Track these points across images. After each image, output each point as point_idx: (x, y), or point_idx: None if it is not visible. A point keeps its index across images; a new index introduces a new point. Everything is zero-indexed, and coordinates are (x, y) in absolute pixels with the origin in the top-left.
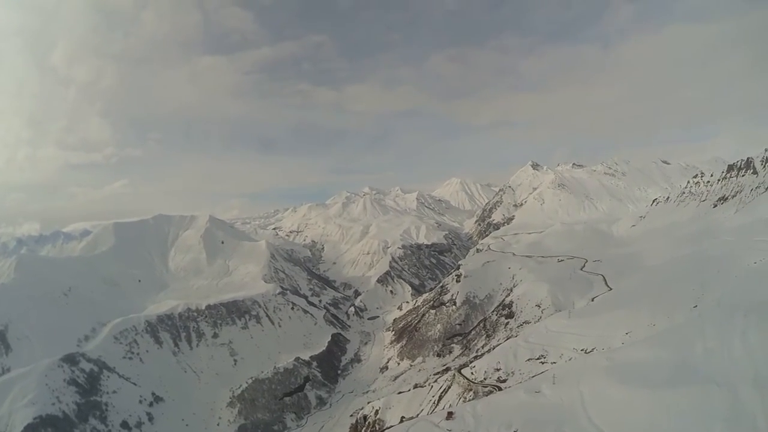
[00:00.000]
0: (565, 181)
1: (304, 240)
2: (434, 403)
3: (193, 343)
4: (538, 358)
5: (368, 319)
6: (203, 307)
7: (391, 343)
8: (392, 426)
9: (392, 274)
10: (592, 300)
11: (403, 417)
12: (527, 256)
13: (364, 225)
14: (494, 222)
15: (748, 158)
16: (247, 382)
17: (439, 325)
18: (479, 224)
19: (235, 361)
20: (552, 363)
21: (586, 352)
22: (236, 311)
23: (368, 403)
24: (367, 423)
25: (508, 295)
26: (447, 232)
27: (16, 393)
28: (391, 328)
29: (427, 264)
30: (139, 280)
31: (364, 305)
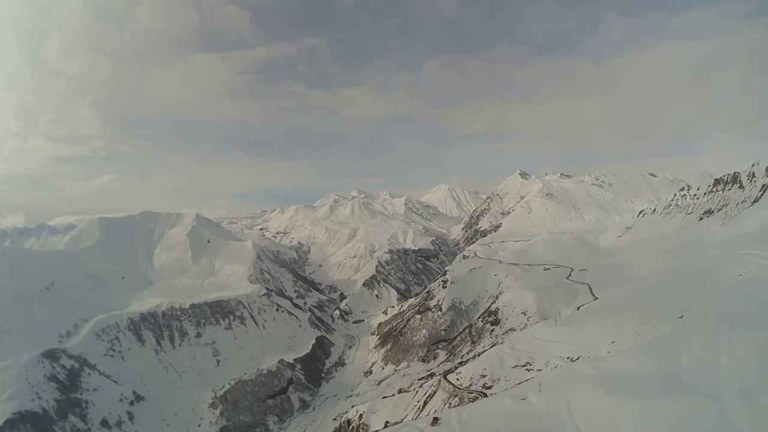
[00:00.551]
0: (553, 191)
1: (291, 241)
2: (419, 408)
3: (176, 342)
4: (524, 366)
5: (353, 322)
6: (187, 306)
7: (376, 347)
8: (377, 431)
9: (378, 278)
10: (578, 309)
11: (387, 422)
12: (514, 264)
13: (352, 228)
14: (481, 229)
15: (734, 173)
16: (229, 383)
17: (424, 330)
18: (466, 231)
19: (218, 361)
20: (538, 370)
21: (572, 361)
22: (220, 311)
23: (352, 407)
24: (351, 427)
25: (494, 302)
26: (434, 238)
27: None
28: (376, 333)
29: (414, 269)
30: (123, 277)
31: (350, 309)
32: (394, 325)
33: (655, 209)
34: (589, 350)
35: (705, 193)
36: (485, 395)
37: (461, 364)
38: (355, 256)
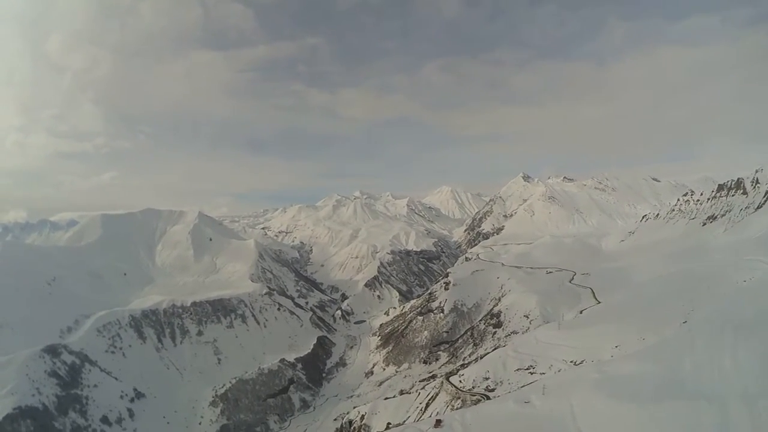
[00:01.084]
0: (556, 194)
1: (293, 241)
2: (421, 410)
3: (177, 339)
4: (527, 369)
5: (355, 323)
6: (188, 304)
7: (377, 348)
8: None
9: (380, 279)
10: (581, 312)
11: (389, 423)
12: (516, 267)
13: (354, 229)
14: (484, 231)
15: (738, 178)
16: (230, 382)
17: (426, 332)
18: (469, 233)
19: (219, 360)
20: (541, 374)
21: (575, 364)
22: (222, 309)
23: (354, 407)
24: (352, 428)
25: (497, 304)
26: (436, 240)
27: None
28: (378, 333)
29: (416, 270)
30: (125, 274)
31: (351, 309)
32: (395, 326)
33: (658, 214)
34: (593, 354)
35: (708, 199)
36: (488, 398)
37: (463, 366)
38: (357, 257)
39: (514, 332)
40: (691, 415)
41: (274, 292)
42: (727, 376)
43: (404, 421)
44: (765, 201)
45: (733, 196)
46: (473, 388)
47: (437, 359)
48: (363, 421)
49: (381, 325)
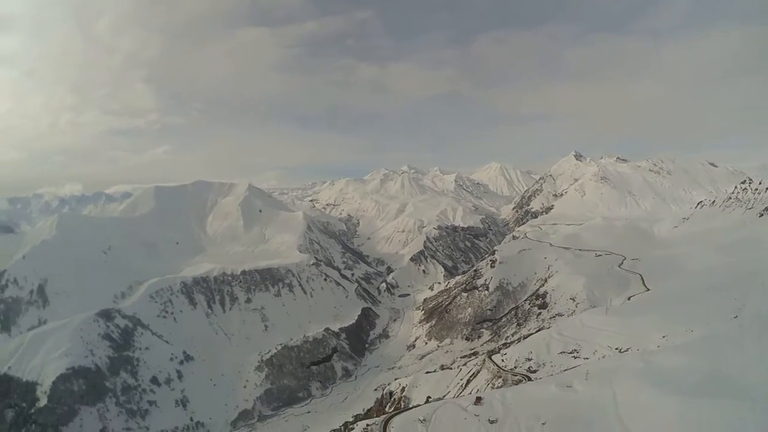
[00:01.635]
0: (608, 175)
1: (340, 214)
2: (462, 386)
3: (226, 306)
4: (570, 352)
5: (399, 296)
6: (238, 273)
7: (420, 322)
8: (418, 405)
9: (426, 253)
10: (629, 299)
11: (429, 397)
12: (564, 248)
13: (401, 203)
14: (532, 210)
15: None
16: (276, 348)
17: (469, 308)
18: (517, 211)
19: (266, 326)
20: (585, 359)
21: (620, 352)
22: (270, 278)
23: (395, 379)
24: (393, 399)
25: (543, 285)
26: (484, 217)
27: (50, 345)
28: (421, 308)
29: (462, 247)
30: (177, 243)
31: (396, 282)
32: (439, 301)
33: (714, 201)
34: (639, 343)
35: (767, 189)
36: (530, 379)
37: (506, 345)
38: (403, 231)
39: (559, 314)
40: (735, 414)
41: (321, 263)
42: None
43: (444, 396)
44: None
45: None
46: (515, 368)
47: (479, 336)
48: (403, 393)
49: (425, 299)
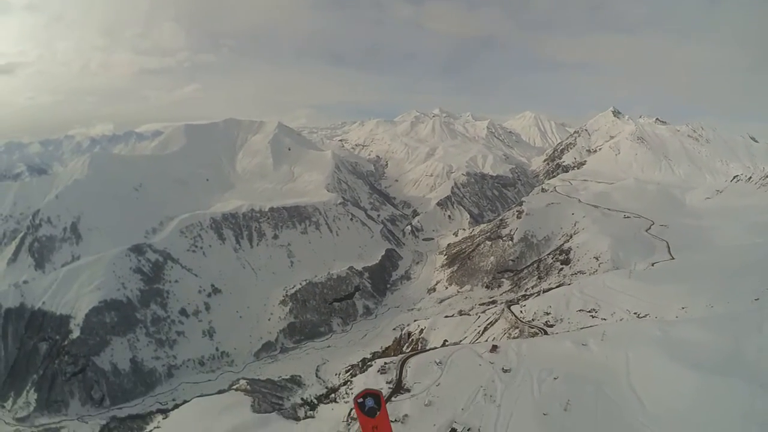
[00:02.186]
0: (645, 135)
1: (369, 155)
2: (479, 333)
3: (254, 241)
4: (589, 311)
5: (423, 239)
6: (266, 209)
7: (443, 266)
8: (435, 348)
9: (453, 199)
10: (653, 265)
11: (446, 341)
12: (593, 206)
13: (431, 147)
14: (564, 164)
15: None
16: (301, 284)
17: (492, 257)
18: (548, 163)
19: (292, 262)
20: (602, 319)
21: (639, 317)
22: (297, 216)
23: (414, 321)
24: (410, 339)
25: (568, 241)
26: (514, 166)
27: (84, 279)
28: (444, 253)
29: (489, 195)
30: (207, 180)
31: (421, 226)
32: (463, 247)
33: (750, 177)
34: (658, 310)
35: None
36: (546, 333)
37: (525, 297)
38: (431, 175)
39: (581, 272)
40: (746, 397)
41: (348, 202)
42: None
43: (461, 341)
44: None
45: None
46: (533, 320)
47: (500, 286)
48: (421, 335)
49: (448, 244)
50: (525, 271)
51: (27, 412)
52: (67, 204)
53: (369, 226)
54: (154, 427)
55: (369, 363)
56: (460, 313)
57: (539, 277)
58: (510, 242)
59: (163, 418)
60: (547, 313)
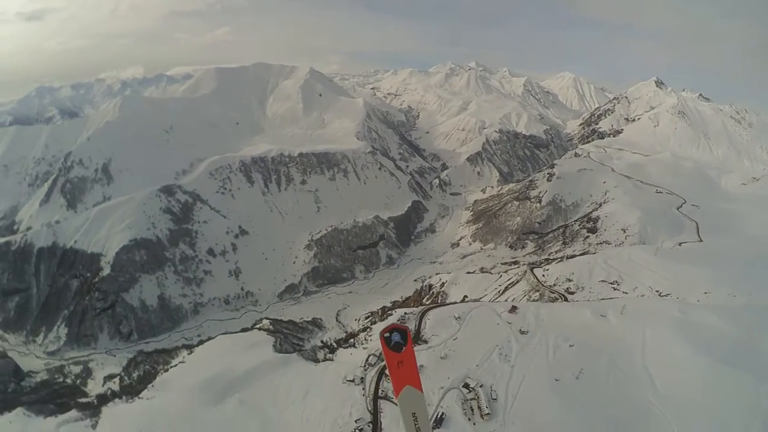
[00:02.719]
0: (687, 110)
1: (401, 105)
2: (499, 292)
3: (282, 186)
4: (612, 283)
5: (450, 194)
6: (295, 154)
7: (468, 222)
8: (455, 302)
9: (483, 155)
10: (680, 245)
11: (466, 296)
12: (626, 176)
13: (464, 100)
14: (600, 130)
15: None
16: (326, 230)
17: (518, 217)
18: (584, 128)
19: (318, 208)
20: (624, 293)
21: (660, 295)
22: (326, 162)
23: (436, 274)
24: (431, 292)
25: (596, 209)
26: (548, 127)
27: (115, 218)
28: (471, 209)
29: (521, 154)
30: (237, 123)
31: (449, 180)
32: (489, 205)
33: None
34: (680, 291)
35: None
36: (566, 299)
37: (548, 261)
38: (463, 129)
39: (607, 242)
40: (753, 393)
41: (377, 151)
42: None
43: (480, 298)
44: None
45: None
46: (554, 285)
47: (523, 247)
48: (442, 289)
49: (475, 201)
50: (550, 235)
51: (57, 346)
52: (98, 146)
53: (397, 176)
54: (179, 362)
55: (389, 312)
56: (482, 270)
57: (564, 243)
58: (538, 204)
59: (188, 354)
60: (569, 280)
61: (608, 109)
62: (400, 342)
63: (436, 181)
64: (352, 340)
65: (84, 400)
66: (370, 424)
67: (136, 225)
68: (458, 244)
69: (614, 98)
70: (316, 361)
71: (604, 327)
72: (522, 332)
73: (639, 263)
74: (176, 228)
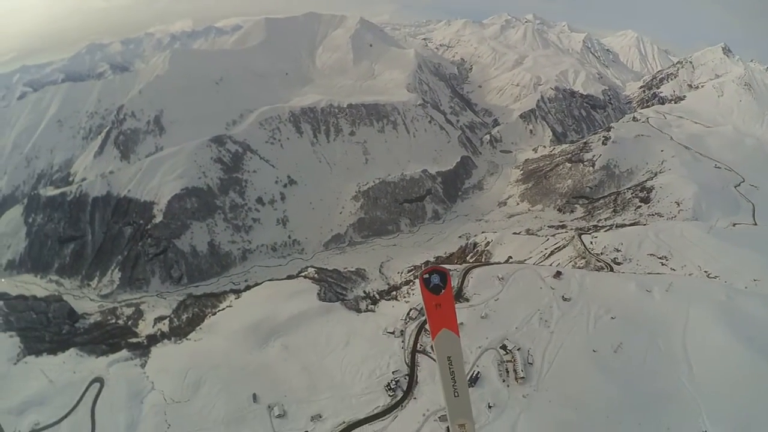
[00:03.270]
0: (754, 83)
1: (453, 57)
2: (544, 255)
3: (330, 136)
4: (660, 258)
5: (500, 151)
6: (345, 106)
7: (517, 181)
8: (499, 263)
9: (537, 113)
10: (734, 226)
11: (510, 257)
12: (685, 147)
13: (520, 55)
14: (661, 94)
15: None
16: (374, 182)
17: (569, 180)
18: (644, 91)
19: (367, 160)
20: (671, 269)
21: (708, 276)
22: (375, 114)
23: (482, 232)
24: (475, 250)
25: (651, 179)
26: (606, 88)
27: (166, 168)
28: (521, 167)
29: (576, 114)
30: (287, 74)
31: (500, 136)
32: (540, 165)
33: None
34: (729, 275)
35: None
36: (612, 270)
37: (597, 228)
38: (517, 85)
39: (659, 214)
40: None
41: (428, 104)
42: None
43: (524, 261)
44: None
45: None
46: (601, 254)
47: (572, 211)
48: (487, 247)
49: (526, 160)
50: (601, 201)
51: (110, 290)
52: (149, 99)
53: (447, 130)
54: (227, 306)
55: (432, 267)
56: (528, 232)
57: (614, 210)
58: (591, 168)
59: (236, 298)
60: (617, 250)
61: (671, 74)
62: (439, 284)
63: (487, 137)
64: (394, 292)
65: (134, 340)
66: (407, 377)
67: (188, 174)
68: (505, 203)
69: (678, 62)
70: (358, 311)
71: (648, 302)
72: (564, 299)
73: (691, 240)
74: (226, 177)
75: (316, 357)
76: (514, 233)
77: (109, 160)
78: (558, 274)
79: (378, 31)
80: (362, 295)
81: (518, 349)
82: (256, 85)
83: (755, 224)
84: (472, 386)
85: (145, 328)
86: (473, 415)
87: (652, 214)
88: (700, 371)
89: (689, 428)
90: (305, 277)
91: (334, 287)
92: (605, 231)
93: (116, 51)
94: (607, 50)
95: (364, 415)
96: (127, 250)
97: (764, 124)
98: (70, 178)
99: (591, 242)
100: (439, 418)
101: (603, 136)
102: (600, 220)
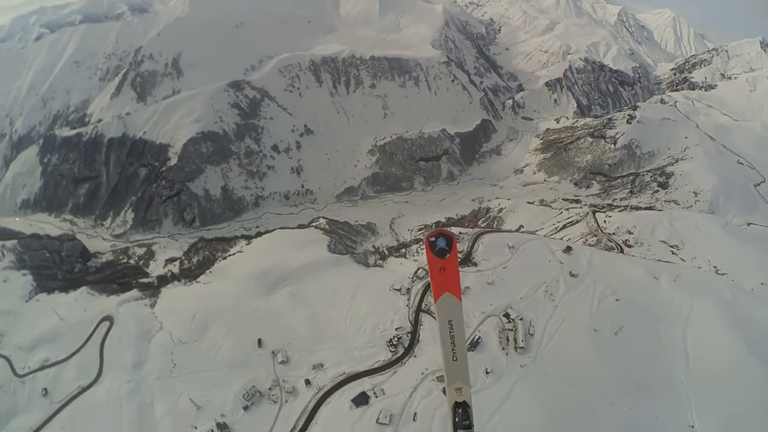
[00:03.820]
0: None
1: (482, 16)
2: (556, 229)
3: (350, 88)
4: (672, 246)
5: (522, 117)
6: (367, 57)
7: (536, 150)
8: (510, 231)
9: (563, 83)
10: (748, 225)
11: (521, 226)
12: (710, 137)
13: (551, 20)
14: (693, 80)
15: None
16: (391, 137)
17: (589, 155)
18: (675, 74)
19: (385, 114)
20: (681, 259)
21: (717, 272)
22: (397, 68)
23: (496, 198)
24: (488, 215)
25: (672, 164)
26: (637, 65)
27: (183, 111)
28: (541, 137)
29: (603, 89)
30: (309, 21)
31: (523, 103)
32: (561, 136)
33: None
34: (738, 274)
35: None
36: (622, 251)
37: (611, 207)
38: (546, 51)
39: (675, 202)
40: None
41: (452, 63)
42: None
43: (536, 231)
44: None
45: None
46: (613, 234)
47: (588, 187)
48: (499, 214)
49: (547, 129)
50: (619, 180)
51: (123, 230)
52: (168, 41)
53: (469, 91)
54: (237, 251)
55: (443, 227)
56: (542, 202)
57: (631, 192)
58: (612, 146)
59: (247, 244)
60: (630, 232)
61: (705, 60)
62: (444, 248)
63: (510, 102)
64: (403, 250)
65: (145, 280)
66: (409, 335)
67: (204, 118)
68: (522, 171)
69: (713, 49)
70: (367, 265)
71: (655, 290)
72: (572, 275)
73: (704, 233)
74: (243, 123)
75: (323, 307)
76: (528, 202)
77: (125, 101)
78: (568, 249)
79: None
80: (371, 249)
81: (521, 319)
82: (277, 31)
83: None
84: (472, 350)
85: (155, 268)
86: (470, 380)
87: (669, 201)
88: (696, 366)
89: (677, 420)
90: (316, 227)
91: (344, 239)
92: (619, 211)
93: None
94: (642, 27)
95: (364, 368)
96: (141, 191)
97: None
98: (86, 119)
99: (605, 221)
100: (437, 378)
101: (628, 115)
102: (615, 199)
